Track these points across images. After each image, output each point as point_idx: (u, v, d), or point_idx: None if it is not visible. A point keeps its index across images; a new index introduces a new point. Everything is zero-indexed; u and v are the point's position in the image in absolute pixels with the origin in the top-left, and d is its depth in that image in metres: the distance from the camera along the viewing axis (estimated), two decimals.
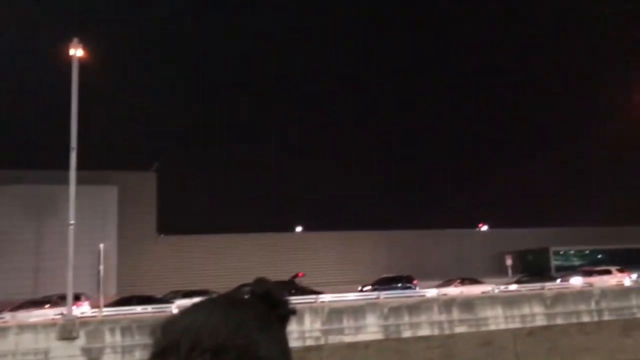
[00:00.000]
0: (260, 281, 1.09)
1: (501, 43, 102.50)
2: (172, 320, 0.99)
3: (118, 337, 20.69)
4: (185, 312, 1.01)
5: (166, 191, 52.44)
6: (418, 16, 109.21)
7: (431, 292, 31.99)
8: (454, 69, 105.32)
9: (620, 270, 38.94)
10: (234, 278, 35.81)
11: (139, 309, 26.21)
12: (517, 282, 37.44)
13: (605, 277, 36.64)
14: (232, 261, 49.46)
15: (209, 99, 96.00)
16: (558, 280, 36.75)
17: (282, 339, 1.03)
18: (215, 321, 0.95)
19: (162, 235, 51.29)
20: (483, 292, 31.12)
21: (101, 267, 25.41)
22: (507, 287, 33.42)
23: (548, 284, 32.46)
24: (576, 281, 35.88)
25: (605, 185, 79.52)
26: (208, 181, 72.76)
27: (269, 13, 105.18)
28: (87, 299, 29.51)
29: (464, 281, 37.96)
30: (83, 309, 27.07)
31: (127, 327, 20.87)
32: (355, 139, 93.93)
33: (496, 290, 31.72)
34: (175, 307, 25.05)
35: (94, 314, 25.33)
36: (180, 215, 57.73)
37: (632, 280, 36.80)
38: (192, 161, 79.00)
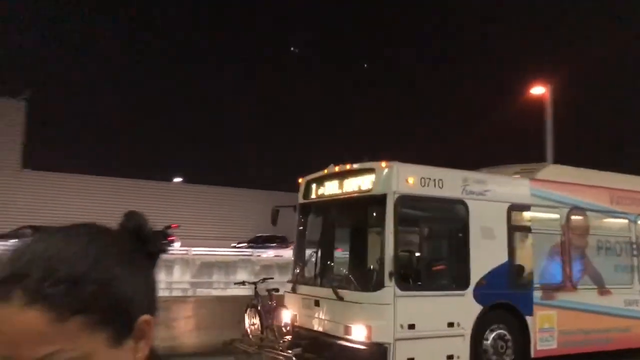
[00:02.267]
0: (131, 214, 1.00)
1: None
2: (23, 247, 0.84)
3: None
4: (39, 238, 0.86)
5: (38, 124, 48.51)
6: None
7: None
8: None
9: None
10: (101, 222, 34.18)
11: None
12: None
13: None
14: (101, 205, 47.13)
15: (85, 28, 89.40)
16: None
17: (148, 278, 0.92)
18: (73, 250, 0.83)
19: (26, 170, 47.49)
20: None
21: None
22: None
23: None
24: None
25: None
26: (89, 119, 67.75)
27: None
28: None
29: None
30: None
31: None
32: (242, 92, 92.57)
33: None
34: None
35: None
36: (54, 151, 53.47)
37: None
38: (73, 92, 72.42)
